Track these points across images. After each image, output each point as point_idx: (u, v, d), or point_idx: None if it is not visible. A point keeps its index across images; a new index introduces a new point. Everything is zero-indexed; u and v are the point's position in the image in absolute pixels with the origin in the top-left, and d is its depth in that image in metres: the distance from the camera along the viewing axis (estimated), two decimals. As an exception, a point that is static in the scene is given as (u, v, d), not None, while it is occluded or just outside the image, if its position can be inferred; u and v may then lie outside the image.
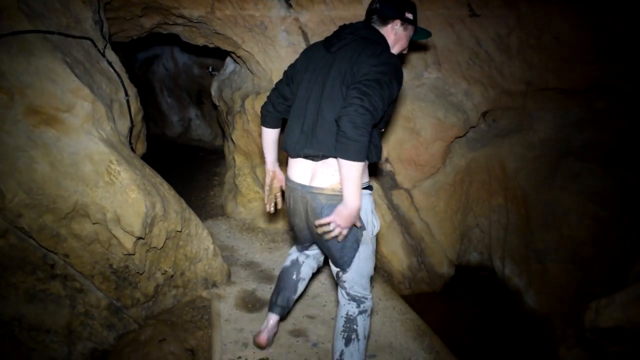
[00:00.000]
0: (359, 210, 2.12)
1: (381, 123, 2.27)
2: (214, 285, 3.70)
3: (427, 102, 4.30)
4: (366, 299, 2.46)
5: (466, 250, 4.85)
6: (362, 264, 2.38)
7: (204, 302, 3.56)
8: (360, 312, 2.44)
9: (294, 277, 2.87)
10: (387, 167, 4.42)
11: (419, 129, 4.28)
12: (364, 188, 2.28)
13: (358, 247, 2.34)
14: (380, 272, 4.40)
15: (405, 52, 2.48)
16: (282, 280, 2.89)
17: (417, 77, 4.39)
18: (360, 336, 2.43)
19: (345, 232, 2.19)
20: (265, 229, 4.97)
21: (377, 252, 4.38)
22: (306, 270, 2.90)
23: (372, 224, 2.34)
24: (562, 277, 3.76)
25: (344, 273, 2.42)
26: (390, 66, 2.13)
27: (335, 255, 2.39)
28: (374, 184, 4.38)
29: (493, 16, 4.03)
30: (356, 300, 2.44)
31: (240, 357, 2.92)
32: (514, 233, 4.43)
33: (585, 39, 3.87)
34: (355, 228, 2.27)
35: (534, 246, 4.10)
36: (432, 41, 4.24)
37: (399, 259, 4.41)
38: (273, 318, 2.88)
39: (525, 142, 4.43)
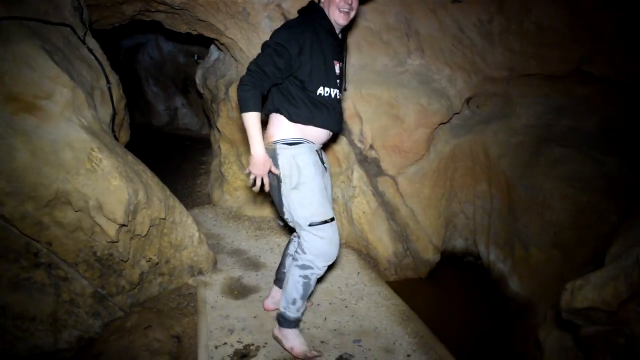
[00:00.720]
0: (260, 158, 2.39)
1: (301, 84, 2.50)
2: (200, 272, 3.71)
3: (411, 89, 4.30)
4: (303, 252, 2.66)
5: (452, 236, 4.89)
6: (293, 214, 2.61)
7: (190, 290, 3.57)
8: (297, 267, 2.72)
9: (286, 252, 3.15)
10: (372, 154, 4.42)
11: (402, 116, 4.28)
12: (287, 144, 2.55)
13: (282, 200, 2.62)
14: (366, 258, 4.43)
15: (351, 10, 2.53)
16: (282, 257, 3.20)
17: (401, 64, 4.39)
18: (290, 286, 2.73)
19: (266, 180, 2.47)
20: (252, 217, 4.98)
21: (364, 239, 4.41)
22: (292, 248, 3.10)
23: (290, 177, 2.54)
24: (545, 262, 3.80)
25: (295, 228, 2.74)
26: (279, 32, 2.44)
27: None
28: (360, 172, 4.39)
29: (475, 2, 4.03)
30: (297, 254, 2.70)
31: (226, 344, 2.94)
32: (498, 219, 4.46)
33: (564, 25, 3.88)
34: (276, 182, 2.58)
35: (517, 232, 4.14)
36: (415, 28, 4.24)
37: (384, 245, 4.43)
38: (274, 289, 3.27)
39: (508, 129, 4.46)
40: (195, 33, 4.88)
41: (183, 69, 8.78)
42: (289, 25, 2.47)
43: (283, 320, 2.79)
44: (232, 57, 4.92)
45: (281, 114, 2.55)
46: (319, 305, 3.41)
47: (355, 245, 4.56)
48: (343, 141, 4.33)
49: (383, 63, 4.37)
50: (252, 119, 2.34)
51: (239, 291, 3.57)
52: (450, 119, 4.49)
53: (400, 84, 4.33)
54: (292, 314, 2.76)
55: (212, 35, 4.75)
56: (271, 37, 2.43)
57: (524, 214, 4.09)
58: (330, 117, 2.59)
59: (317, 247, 2.60)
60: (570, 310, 2.27)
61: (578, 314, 2.26)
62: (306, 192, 2.55)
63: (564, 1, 3.82)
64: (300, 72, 2.44)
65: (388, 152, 4.39)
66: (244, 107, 2.34)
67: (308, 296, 2.76)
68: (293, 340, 2.79)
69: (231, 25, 4.37)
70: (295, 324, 2.81)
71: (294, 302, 2.73)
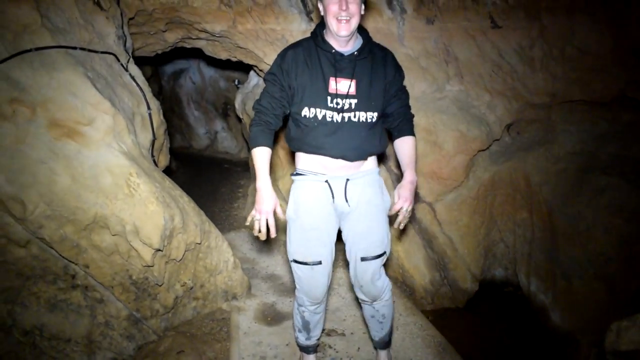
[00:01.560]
0: (262, 190, 2.26)
1: (291, 108, 2.38)
2: (234, 297, 3.71)
3: (449, 115, 4.25)
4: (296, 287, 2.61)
5: (491, 265, 4.77)
6: None
7: (224, 315, 3.56)
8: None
9: None
10: (409, 180, 4.38)
11: (441, 142, 4.23)
12: (294, 174, 2.51)
13: None
14: (402, 286, 4.35)
15: (350, 17, 2.21)
16: None
17: (439, 89, 4.35)
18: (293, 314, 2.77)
19: (271, 221, 2.25)
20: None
21: (399, 267, 4.35)
22: None
23: (289, 207, 2.49)
24: (588, 295, 3.66)
25: None
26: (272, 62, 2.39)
27: None
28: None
29: (515, 28, 3.98)
30: None
31: (257, 370, 2.93)
32: (539, 248, 4.33)
33: (608, 49, 3.79)
34: None
35: (559, 262, 4.01)
36: (454, 53, 4.21)
37: (421, 273, 4.35)
38: None
39: (550, 156, 4.35)
40: (234, 59, 4.97)
41: (223, 93, 8.95)
42: (279, 53, 2.39)
43: (297, 344, 2.86)
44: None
45: (286, 142, 2.52)
46: (352, 333, 3.35)
47: (390, 273, 4.49)
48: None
49: (421, 89, 4.35)
50: (255, 154, 2.31)
51: (272, 317, 3.54)
52: (490, 146, 4.41)
53: (439, 110, 4.29)
54: (300, 341, 2.79)
55: (251, 62, 4.83)
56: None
57: (567, 244, 3.96)
58: (322, 140, 2.34)
59: (297, 282, 2.56)
60: (614, 352, 2.16)
61: (623, 357, 2.15)
62: (290, 228, 2.49)
63: (607, 25, 3.73)
64: (293, 108, 2.36)
65: (426, 178, 4.34)
66: (250, 145, 2.34)
67: (313, 329, 2.72)
68: None
69: (270, 52, 4.43)
70: (306, 350, 2.83)
71: (299, 330, 2.74)
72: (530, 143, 4.50)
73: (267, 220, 2.24)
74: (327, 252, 2.48)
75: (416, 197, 4.37)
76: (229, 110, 8.92)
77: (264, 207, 2.24)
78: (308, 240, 2.45)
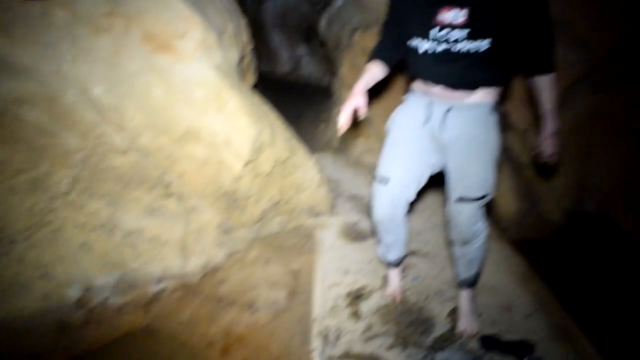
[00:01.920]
0: (353, 89, 2.29)
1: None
2: (318, 214, 3.78)
3: (547, 37, 3.96)
4: None
5: (582, 198, 4.54)
6: None
7: (308, 230, 3.65)
8: None
9: None
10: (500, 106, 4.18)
11: (536, 66, 3.98)
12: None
13: None
14: (488, 213, 4.26)
15: None
16: None
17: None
18: None
19: (348, 110, 2.27)
20: (370, 163, 4.96)
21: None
22: None
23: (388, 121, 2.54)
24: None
25: None
26: None
27: None
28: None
29: None
30: None
31: (340, 283, 3.00)
32: (637, 184, 4.07)
33: None
34: None
35: (659, 198, 3.76)
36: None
37: (507, 202, 4.24)
38: None
39: (657, 85, 3.99)
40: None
41: (306, 17, 8.82)
42: None
43: (379, 256, 2.97)
44: (357, 3, 4.82)
45: None
46: (435, 256, 3.35)
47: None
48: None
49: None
50: (365, 67, 2.39)
51: (354, 235, 3.59)
52: (590, 73, 4.09)
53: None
54: (380, 253, 2.91)
55: (337, -21, 4.68)
56: None
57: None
58: (425, 67, 2.26)
59: None
60: None
61: None
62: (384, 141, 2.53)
63: None
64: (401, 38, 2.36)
65: (518, 104, 4.14)
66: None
67: (389, 246, 2.79)
68: (387, 278, 2.97)
69: (358, -33, 4.27)
70: (387, 265, 2.93)
71: (378, 243, 2.87)
72: (634, 72, 4.13)
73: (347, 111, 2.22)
74: (399, 174, 2.43)
75: (506, 124, 4.21)
76: (312, 35, 8.80)
77: (350, 98, 2.23)
78: (386, 156, 2.48)
